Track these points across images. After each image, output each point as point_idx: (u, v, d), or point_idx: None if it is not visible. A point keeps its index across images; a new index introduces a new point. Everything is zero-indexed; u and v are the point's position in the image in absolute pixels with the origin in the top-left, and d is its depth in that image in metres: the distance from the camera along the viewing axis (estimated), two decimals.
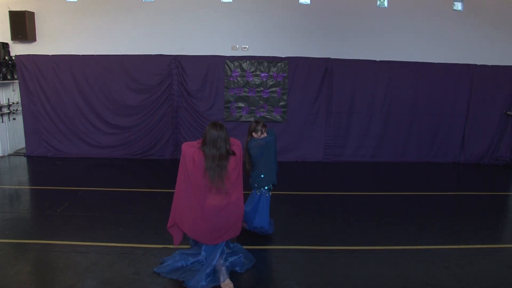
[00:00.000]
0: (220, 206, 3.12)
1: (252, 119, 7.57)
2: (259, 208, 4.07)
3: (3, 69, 7.14)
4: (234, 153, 3.17)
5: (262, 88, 7.49)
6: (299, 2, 7.55)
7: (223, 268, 3.26)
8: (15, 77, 7.45)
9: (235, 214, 3.22)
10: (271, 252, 3.86)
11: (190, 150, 3.13)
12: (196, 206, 3.14)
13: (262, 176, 4.03)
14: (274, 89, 7.49)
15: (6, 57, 7.28)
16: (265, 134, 4.02)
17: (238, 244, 3.68)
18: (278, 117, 7.57)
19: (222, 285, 3.21)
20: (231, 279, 3.26)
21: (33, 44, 7.52)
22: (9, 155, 7.68)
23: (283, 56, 7.45)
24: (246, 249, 3.77)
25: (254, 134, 4.03)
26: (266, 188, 4.08)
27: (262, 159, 3.99)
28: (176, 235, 3.42)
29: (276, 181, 4.13)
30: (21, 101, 7.49)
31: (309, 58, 7.41)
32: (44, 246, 3.81)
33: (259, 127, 3.99)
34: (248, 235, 4.17)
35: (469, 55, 7.58)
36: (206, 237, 3.22)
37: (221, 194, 3.13)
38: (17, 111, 7.77)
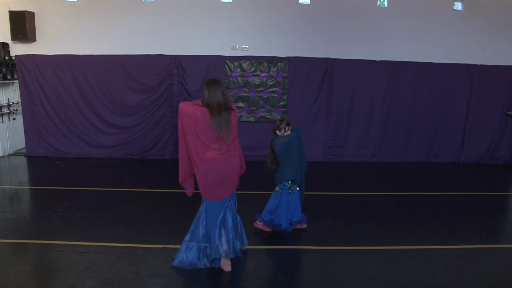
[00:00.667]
0: (219, 160, 3.30)
1: (252, 119, 7.58)
2: (280, 205, 4.14)
3: (3, 69, 7.15)
4: (233, 109, 3.38)
5: (262, 88, 7.50)
6: (299, 2, 7.55)
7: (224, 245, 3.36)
8: (15, 77, 7.46)
9: (231, 166, 3.41)
10: (271, 252, 3.86)
11: (192, 108, 3.27)
12: (197, 162, 3.30)
13: (284, 173, 4.10)
14: (274, 89, 7.50)
15: (6, 57, 7.28)
16: (288, 132, 4.11)
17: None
18: (278, 117, 7.57)
19: (222, 263, 3.35)
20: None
21: (33, 44, 7.52)
22: (9, 155, 7.69)
23: (283, 56, 7.45)
24: (245, 248, 3.78)
25: (277, 132, 4.13)
26: (286, 185, 4.13)
27: (285, 156, 4.07)
28: (188, 187, 3.51)
29: (299, 178, 4.15)
30: (21, 101, 7.50)
31: (309, 58, 7.41)
32: (44, 246, 3.82)
33: (282, 125, 4.11)
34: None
35: (469, 55, 7.58)
36: (211, 193, 3.35)
37: (221, 150, 3.29)
38: (17, 111, 7.78)
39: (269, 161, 4.19)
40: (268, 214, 4.22)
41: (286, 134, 4.11)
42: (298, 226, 4.31)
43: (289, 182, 4.14)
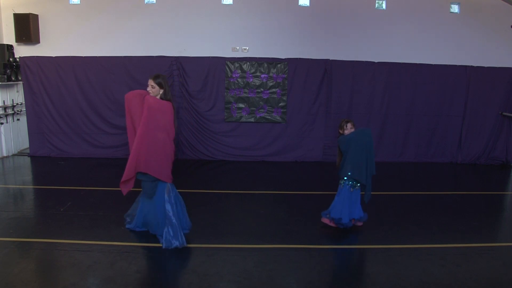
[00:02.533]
0: (172, 147, 3.79)
1: (252, 119, 7.65)
2: (341, 201, 4.29)
3: (8, 71, 7.22)
4: None
5: (262, 89, 7.57)
6: (299, 4, 7.61)
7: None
8: (19, 78, 7.53)
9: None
10: (271, 251, 3.91)
11: (161, 102, 3.64)
12: (170, 149, 3.74)
13: (345, 170, 4.25)
14: (274, 90, 7.57)
15: (11, 59, 7.36)
16: (350, 130, 4.28)
17: None
18: (278, 118, 7.64)
19: None
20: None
21: (37, 46, 7.60)
22: (13, 155, 7.77)
23: (283, 57, 7.52)
24: (245, 248, 3.85)
25: (340, 130, 4.34)
26: (346, 181, 4.28)
27: (347, 154, 4.23)
28: (130, 185, 3.87)
29: (362, 177, 4.22)
30: (25, 102, 7.60)
31: (308, 59, 7.48)
32: (48, 245, 3.88)
33: (343, 124, 4.36)
34: (244, 234, 4.24)
35: (466, 56, 7.63)
36: (169, 175, 3.80)
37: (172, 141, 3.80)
38: (21, 112, 7.86)
39: (338, 158, 4.40)
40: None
41: (347, 132, 4.28)
42: (357, 223, 4.46)
43: (350, 180, 4.26)
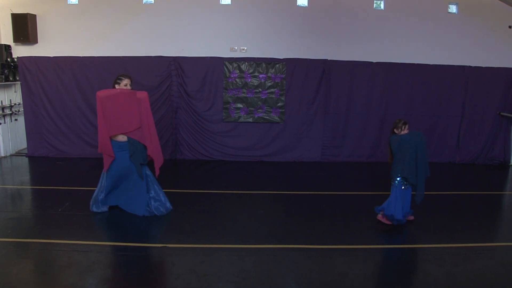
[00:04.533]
0: None
1: (250, 119, 7.65)
2: (394, 198, 4.38)
3: (6, 71, 7.21)
4: None
5: (260, 89, 7.57)
6: (297, 4, 7.62)
7: None
8: (17, 78, 7.52)
9: None
10: (270, 251, 3.92)
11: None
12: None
13: (396, 169, 4.34)
14: (272, 90, 7.57)
15: (9, 59, 7.34)
16: (405, 131, 4.36)
17: None
18: (276, 118, 7.65)
19: None
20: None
21: (35, 46, 7.59)
22: (11, 155, 7.75)
23: (281, 57, 7.52)
24: (244, 248, 3.85)
25: (395, 130, 4.40)
26: (397, 180, 4.36)
27: (398, 154, 4.31)
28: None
29: (412, 177, 4.31)
30: (23, 102, 7.58)
31: (307, 59, 7.49)
32: (46, 245, 3.87)
33: (399, 124, 4.41)
34: (243, 234, 4.24)
35: (464, 57, 7.64)
36: None
37: None
38: (19, 112, 7.84)
39: (389, 157, 4.48)
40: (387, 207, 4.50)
41: (402, 133, 4.34)
42: (410, 218, 4.61)
43: (402, 179, 4.35)
